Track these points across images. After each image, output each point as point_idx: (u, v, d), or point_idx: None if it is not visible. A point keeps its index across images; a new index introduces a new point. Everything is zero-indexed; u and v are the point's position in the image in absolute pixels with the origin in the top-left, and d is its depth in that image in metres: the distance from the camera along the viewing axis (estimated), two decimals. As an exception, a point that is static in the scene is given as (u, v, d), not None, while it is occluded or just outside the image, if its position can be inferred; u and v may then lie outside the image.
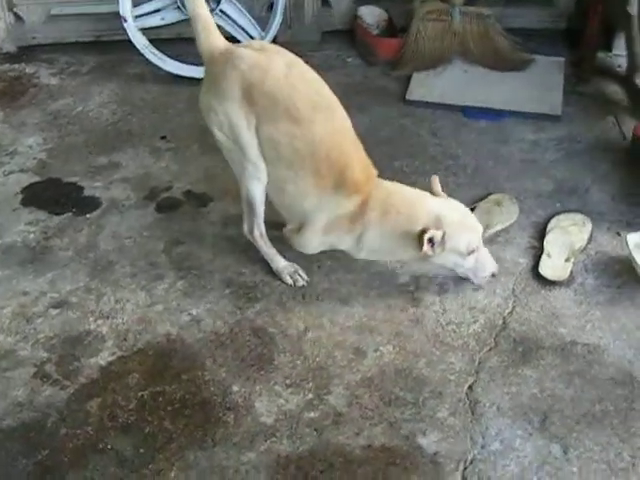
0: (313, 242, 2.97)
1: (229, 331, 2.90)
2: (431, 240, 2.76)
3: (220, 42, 2.93)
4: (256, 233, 3.07)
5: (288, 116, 2.76)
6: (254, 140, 2.83)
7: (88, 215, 3.39)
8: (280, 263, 3.10)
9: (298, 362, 2.79)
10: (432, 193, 2.94)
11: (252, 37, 4.20)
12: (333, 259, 3.14)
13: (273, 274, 3.11)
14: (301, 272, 3.10)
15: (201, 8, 2.90)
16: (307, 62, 2.89)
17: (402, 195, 2.88)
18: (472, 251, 2.87)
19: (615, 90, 4.22)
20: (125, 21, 4.07)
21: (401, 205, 2.84)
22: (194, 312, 2.97)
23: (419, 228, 2.78)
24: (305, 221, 2.91)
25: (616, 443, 2.53)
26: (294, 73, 2.80)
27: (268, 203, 3.02)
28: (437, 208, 2.83)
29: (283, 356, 2.81)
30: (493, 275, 2.99)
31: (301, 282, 3.08)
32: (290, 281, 3.08)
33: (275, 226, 3.10)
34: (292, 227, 3.00)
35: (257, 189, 2.96)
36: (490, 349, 2.84)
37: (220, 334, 2.89)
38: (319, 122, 2.77)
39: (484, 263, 2.95)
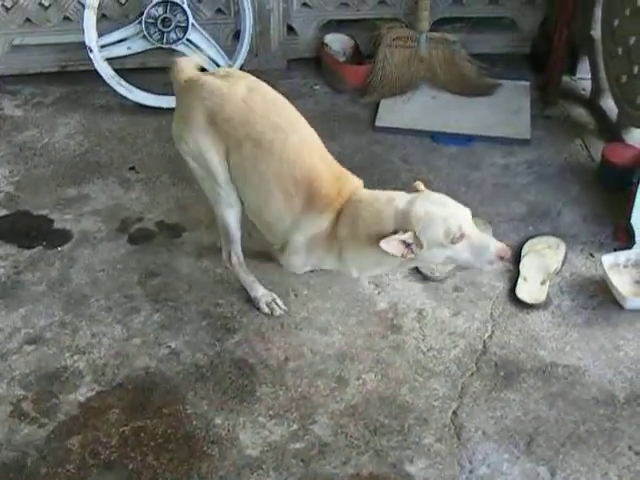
0: (298, 262, 2.84)
1: (209, 363, 2.87)
2: (404, 243, 2.52)
3: (188, 71, 2.94)
4: (234, 260, 3.05)
5: (249, 139, 2.72)
6: (224, 166, 2.81)
7: (59, 248, 3.34)
8: (258, 291, 3.08)
9: (280, 392, 2.77)
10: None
11: (219, 66, 4.18)
12: (310, 288, 3.14)
13: (250, 304, 3.08)
14: (278, 301, 3.08)
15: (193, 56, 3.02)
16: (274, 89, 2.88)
17: (370, 202, 2.66)
18: (456, 238, 2.52)
19: (580, 113, 4.27)
20: (91, 51, 4.03)
21: (367, 213, 2.63)
22: (172, 345, 2.93)
23: (390, 232, 2.54)
24: (286, 242, 2.81)
25: (602, 463, 2.55)
26: (253, 96, 2.77)
27: (248, 228, 3.00)
28: (405, 206, 2.57)
29: (265, 387, 2.79)
30: (502, 258, 2.55)
31: (278, 311, 3.06)
32: (267, 310, 3.06)
33: (253, 254, 3.08)
34: (277, 246, 2.91)
35: (230, 215, 2.94)
36: (472, 374, 2.85)
37: (200, 366, 2.86)
38: (279, 141, 2.70)
39: (480, 247, 2.55)
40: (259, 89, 2.82)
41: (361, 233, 2.61)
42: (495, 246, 2.55)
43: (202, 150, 2.81)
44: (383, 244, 2.49)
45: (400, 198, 2.61)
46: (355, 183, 2.75)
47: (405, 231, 2.51)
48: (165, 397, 2.75)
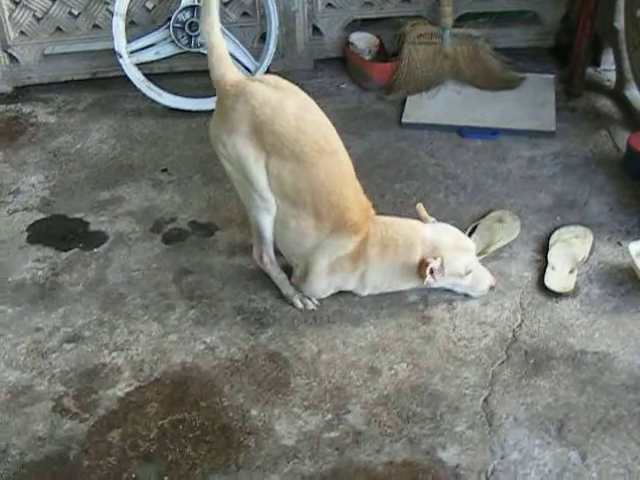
0: (321, 285, 3.05)
1: (244, 357, 2.93)
2: (432, 270, 2.86)
3: (232, 74, 2.98)
4: (265, 260, 3.12)
5: (294, 157, 2.83)
6: (262, 173, 2.88)
7: (95, 249, 3.41)
8: (290, 288, 3.13)
9: (314, 384, 2.82)
10: (421, 219, 3.06)
11: (247, 68, 4.25)
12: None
13: (283, 299, 3.14)
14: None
15: (214, 38, 2.96)
16: (301, 90, 2.96)
17: (398, 228, 2.98)
18: (470, 271, 2.99)
19: (605, 104, 4.30)
20: (120, 57, 4.11)
21: (398, 238, 2.94)
22: (208, 340, 3.00)
23: (417, 259, 2.90)
24: (308, 264, 2.99)
25: (633, 447, 2.58)
26: (305, 116, 2.87)
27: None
28: (432, 236, 2.94)
29: (299, 379, 2.84)
30: (492, 288, 3.09)
31: (311, 306, 3.11)
32: (300, 305, 3.11)
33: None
34: (299, 274, 3.08)
35: (266, 220, 3.00)
36: (502, 362, 2.89)
37: (235, 360, 2.92)
38: (322, 167, 2.85)
39: (480, 278, 3.05)
40: (310, 108, 2.93)
41: (389, 256, 2.94)
42: (489, 278, 3.07)
43: (241, 156, 2.88)
44: (428, 266, 2.86)
45: (423, 227, 3.00)
46: (373, 212, 3.04)
47: (435, 258, 2.89)
48: (202, 390, 2.81)
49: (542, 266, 3.26)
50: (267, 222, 3.00)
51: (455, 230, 3.05)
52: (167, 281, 3.26)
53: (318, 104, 2.96)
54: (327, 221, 2.88)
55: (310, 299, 3.12)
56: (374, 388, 2.80)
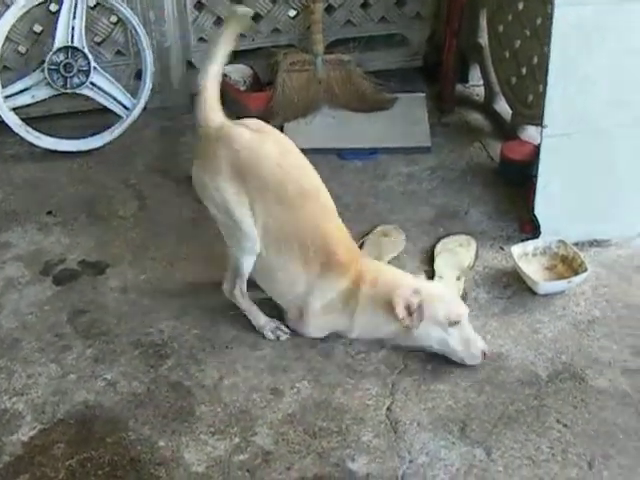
0: (317, 325, 3.04)
1: (146, 390, 2.92)
2: (409, 309, 2.84)
3: (217, 117, 3.06)
4: (237, 292, 3.10)
5: (279, 201, 2.88)
6: (248, 215, 2.91)
7: (-15, 297, 3.36)
8: (261, 320, 3.12)
9: (219, 409, 2.83)
10: None
11: (124, 106, 4.24)
12: (235, 308, 3.19)
13: (179, 331, 3.15)
14: (282, 327, 3.12)
15: (208, 81, 3.07)
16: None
17: (389, 273, 3.04)
18: (454, 322, 2.88)
19: (476, 117, 4.49)
20: (-5, 103, 4.07)
21: (389, 281, 2.94)
22: (108, 376, 2.97)
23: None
24: (302, 307, 3.01)
25: (534, 438, 2.68)
26: (287, 160, 2.94)
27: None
28: (416, 283, 2.95)
29: (203, 406, 2.85)
30: (485, 355, 2.93)
31: (283, 337, 3.10)
32: (273, 337, 3.10)
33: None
34: (292, 317, 3.08)
35: (249, 260, 3.01)
36: (400, 371, 2.96)
37: (138, 394, 2.90)
38: (307, 209, 2.91)
39: (472, 339, 2.92)
40: (290, 151, 3.02)
41: (378, 297, 2.91)
42: (480, 342, 2.93)
43: (225, 198, 2.92)
44: (395, 297, 2.82)
45: (411, 276, 3.04)
46: (360, 252, 3.13)
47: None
48: (107, 427, 2.78)
49: (430, 276, 3.35)
50: (250, 262, 3.01)
51: (446, 288, 3.11)
52: (62, 322, 3.22)
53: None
54: (314, 264, 2.92)
55: (282, 330, 3.11)
56: (278, 408, 2.83)
